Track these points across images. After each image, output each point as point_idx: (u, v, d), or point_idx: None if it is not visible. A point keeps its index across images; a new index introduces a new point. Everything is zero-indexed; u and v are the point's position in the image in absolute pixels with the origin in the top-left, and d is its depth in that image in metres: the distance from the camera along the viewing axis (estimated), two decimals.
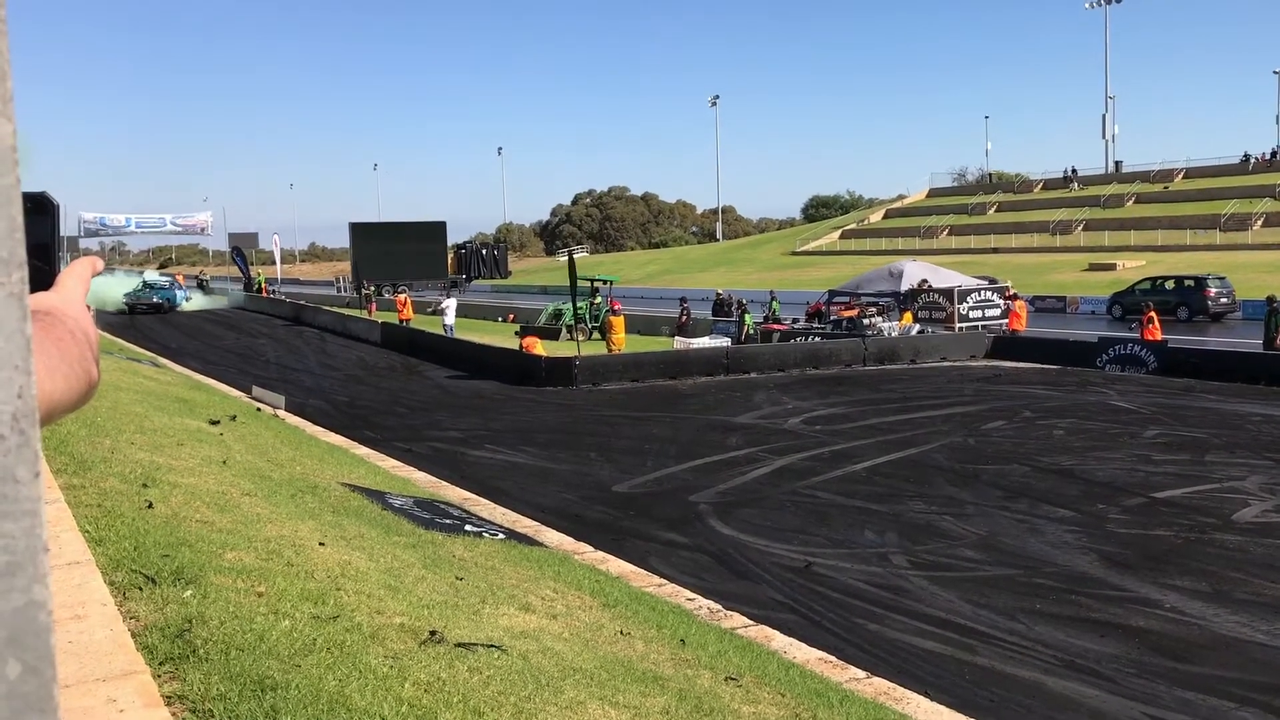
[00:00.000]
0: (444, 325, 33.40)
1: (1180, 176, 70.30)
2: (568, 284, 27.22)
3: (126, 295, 41.34)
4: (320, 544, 5.33)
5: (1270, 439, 14.95)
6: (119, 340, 27.11)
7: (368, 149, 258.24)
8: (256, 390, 14.02)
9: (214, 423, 9.57)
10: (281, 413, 12.67)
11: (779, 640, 5.63)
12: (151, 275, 49.56)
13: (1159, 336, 25.31)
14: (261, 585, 4.29)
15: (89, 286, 0.85)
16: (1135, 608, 8.17)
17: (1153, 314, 26.86)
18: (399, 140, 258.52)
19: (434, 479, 10.54)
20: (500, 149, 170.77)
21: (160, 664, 3.31)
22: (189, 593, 4.00)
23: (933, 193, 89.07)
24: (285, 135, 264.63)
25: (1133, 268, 50.66)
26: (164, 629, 3.59)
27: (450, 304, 35.44)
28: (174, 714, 2.98)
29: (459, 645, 4.03)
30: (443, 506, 8.05)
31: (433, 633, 4.07)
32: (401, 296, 38.12)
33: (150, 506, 5.24)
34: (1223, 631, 7.63)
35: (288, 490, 7.00)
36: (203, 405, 11.88)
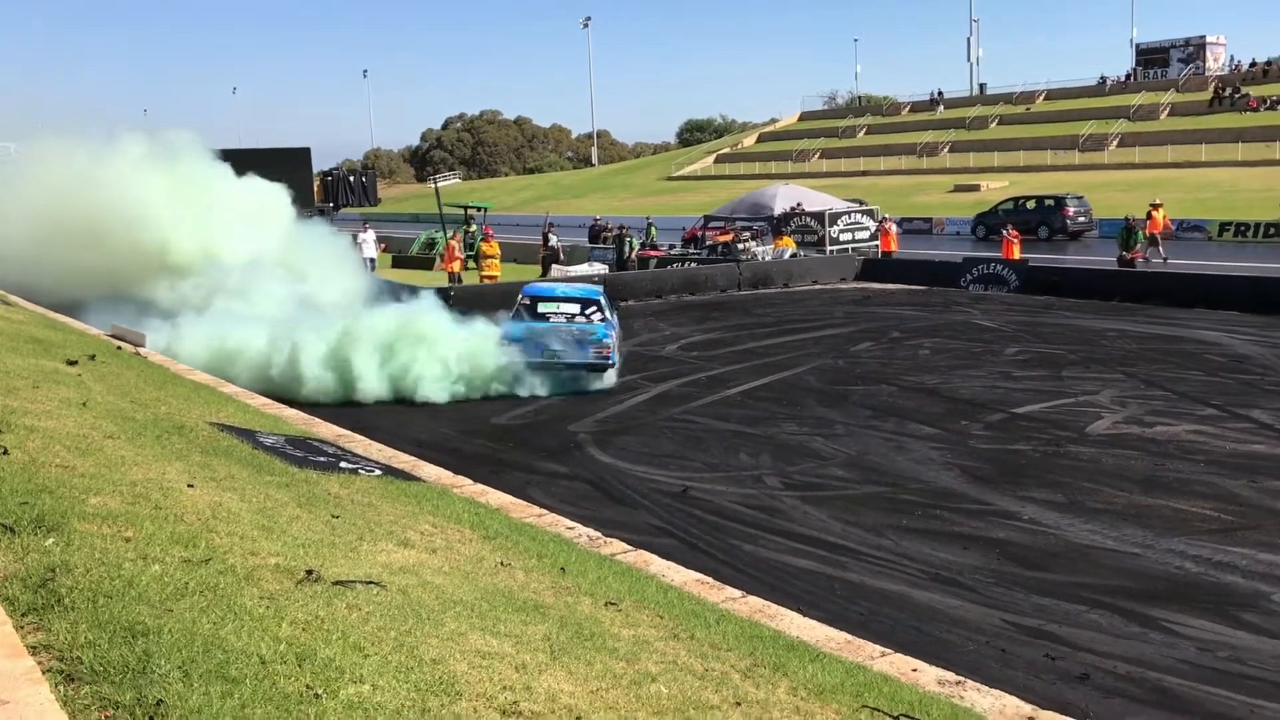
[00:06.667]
0: (364, 259, 30.13)
1: (1041, 98, 72.25)
2: (439, 212, 26.53)
3: (525, 345, 14.17)
4: (189, 486, 5.21)
5: (1123, 353, 15.70)
6: None
7: (224, 73, 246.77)
8: (116, 328, 13.47)
9: (72, 363, 9.20)
10: (144, 351, 12.23)
11: (657, 564, 5.74)
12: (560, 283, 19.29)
13: (1016, 255, 26.17)
14: (129, 530, 4.18)
15: None
16: (995, 520, 8.56)
17: (1015, 233, 27.74)
18: (259, 63, 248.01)
19: (306, 416, 10.33)
20: (366, 71, 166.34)
21: (23, 615, 3.22)
22: (51, 540, 3.88)
23: (804, 116, 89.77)
24: (136, 58, 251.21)
25: (996, 189, 52.11)
26: (25, 579, 3.48)
27: (369, 236, 31.27)
28: (40, 664, 2.90)
29: (337, 583, 4.01)
30: (316, 444, 7.92)
31: (309, 572, 4.04)
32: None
33: (5, 452, 5.04)
34: (1076, 540, 8.06)
35: (153, 431, 6.79)
36: (59, 345, 11.37)
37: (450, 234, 30.49)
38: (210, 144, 23.37)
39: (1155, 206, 28.98)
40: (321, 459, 7.07)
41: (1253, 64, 64.62)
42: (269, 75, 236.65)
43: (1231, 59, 67.70)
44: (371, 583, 4.12)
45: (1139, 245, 25.34)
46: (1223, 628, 6.43)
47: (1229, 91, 59.72)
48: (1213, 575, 7.28)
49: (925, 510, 8.84)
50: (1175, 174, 49.58)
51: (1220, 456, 10.16)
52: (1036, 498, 9.07)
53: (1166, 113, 61.51)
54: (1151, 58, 70.56)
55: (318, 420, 9.78)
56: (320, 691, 2.97)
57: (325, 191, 73.08)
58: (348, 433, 9.07)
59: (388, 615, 3.76)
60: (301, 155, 71.41)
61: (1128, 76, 70.57)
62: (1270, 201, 35.18)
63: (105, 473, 5.14)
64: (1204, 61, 66.94)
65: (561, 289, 16.29)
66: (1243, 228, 35.02)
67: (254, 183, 23.38)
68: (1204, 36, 68.07)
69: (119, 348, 11.90)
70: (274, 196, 23.16)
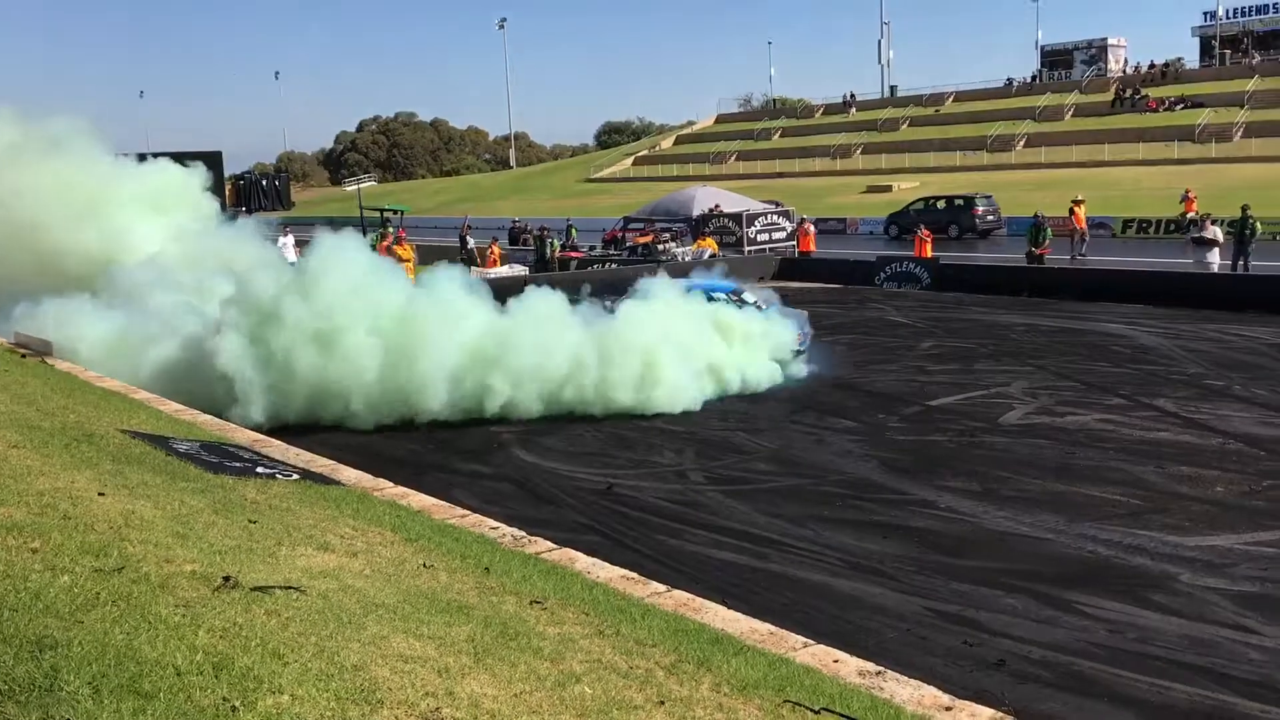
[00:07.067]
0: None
1: (950, 100, 73.66)
2: (358, 215, 26.11)
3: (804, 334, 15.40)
4: (100, 494, 5.07)
5: (1032, 346, 16.07)
6: None
7: (131, 76, 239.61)
8: (19, 334, 13.05)
9: None
10: (50, 358, 11.88)
11: (582, 561, 5.72)
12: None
13: (928, 254, 26.66)
14: (36, 541, 4.05)
15: None
16: (914, 509, 8.70)
17: (927, 232, 28.25)
18: (165, 64, 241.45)
19: (220, 421, 10.14)
20: (278, 73, 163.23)
21: None
22: None
23: (720, 119, 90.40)
24: (39, 59, 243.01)
25: (907, 189, 52.98)
26: None
27: (288, 240, 30.21)
28: None
29: (255, 589, 3.93)
30: (232, 449, 7.76)
31: (226, 578, 3.95)
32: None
33: None
34: (992, 527, 8.23)
35: (61, 440, 6.60)
36: None
37: (380, 236, 30.03)
38: (117, 148, 22.34)
39: (1077, 203, 29.65)
40: (237, 464, 6.94)
41: (1151, 66, 66.63)
42: (177, 77, 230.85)
43: (1125, 61, 69.77)
44: (291, 588, 4.05)
45: (1048, 242, 25.94)
46: (1132, 609, 6.61)
47: (1129, 93, 61.51)
48: (1123, 558, 7.48)
49: (846, 501, 8.95)
50: (1080, 173, 50.89)
51: (1128, 444, 10.45)
52: (953, 487, 9.24)
53: (1071, 114, 63.14)
54: (1056, 59, 72.43)
55: (231, 425, 9.60)
56: (237, 704, 2.90)
57: (238, 195, 71.73)
58: (263, 437, 8.91)
59: (308, 620, 3.70)
60: (212, 159, 69.99)
61: (1033, 78, 72.29)
62: (1170, 199, 36.28)
63: (10, 483, 4.98)
64: (1106, 63, 68.88)
65: (722, 284, 16.41)
66: (1145, 224, 36.12)
67: (163, 166, 21.58)
68: (1105, 39, 70.06)
69: (23, 355, 11.55)
70: (186, 181, 21.48)
